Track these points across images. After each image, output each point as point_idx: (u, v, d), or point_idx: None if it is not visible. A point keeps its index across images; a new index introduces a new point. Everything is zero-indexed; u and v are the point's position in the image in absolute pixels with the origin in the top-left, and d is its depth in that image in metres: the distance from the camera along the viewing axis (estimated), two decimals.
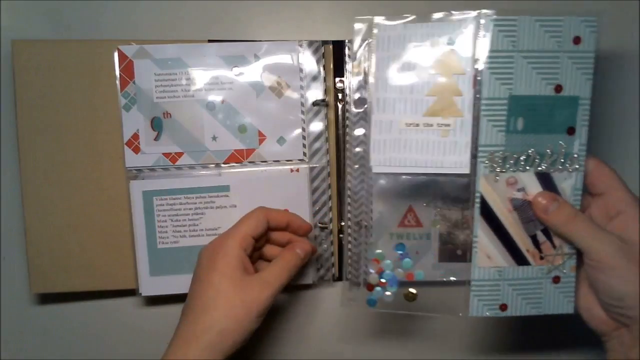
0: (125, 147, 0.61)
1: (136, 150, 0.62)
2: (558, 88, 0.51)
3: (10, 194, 0.64)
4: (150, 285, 0.63)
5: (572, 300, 0.54)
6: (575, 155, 0.52)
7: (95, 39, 0.63)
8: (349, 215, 0.64)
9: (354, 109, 0.63)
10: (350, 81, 0.63)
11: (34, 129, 0.61)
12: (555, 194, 0.52)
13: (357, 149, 0.64)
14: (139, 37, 0.63)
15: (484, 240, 0.54)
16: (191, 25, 0.65)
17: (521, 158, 0.52)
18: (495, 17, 0.51)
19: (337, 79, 0.64)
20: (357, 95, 0.63)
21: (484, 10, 0.51)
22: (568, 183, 0.52)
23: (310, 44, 0.62)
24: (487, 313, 0.54)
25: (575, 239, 0.51)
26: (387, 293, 0.56)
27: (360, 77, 0.63)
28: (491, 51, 0.51)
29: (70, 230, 0.62)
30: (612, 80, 0.67)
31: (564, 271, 0.53)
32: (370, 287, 0.57)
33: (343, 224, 0.64)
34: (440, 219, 0.64)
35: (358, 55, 0.62)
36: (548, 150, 0.52)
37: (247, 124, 0.62)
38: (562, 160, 0.52)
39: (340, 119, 0.63)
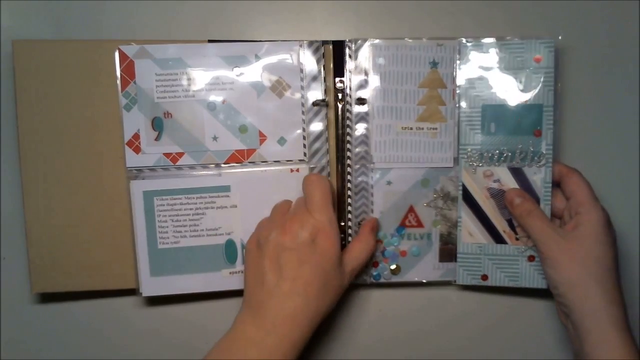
0: (126, 147, 0.61)
1: (137, 150, 0.61)
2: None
3: (10, 193, 0.64)
4: (151, 286, 0.62)
5: (544, 277, 0.61)
6: (543, 153, 0.62)
7: (96, 39, 0.63)
8: (349, 215, 0.64)
9: (354, 109, 0.64)
10: (350, 81, 0.63)
11: (34, 128, 0.61)
12: (524, 192, 0.62)
13: (358, 149, 0.64)
14: (139, 37, 0.63)
15: (466, 220, 0.64)
16: (191, 26, 0.65)
17: (494, 155, 0.63)
18: (468, 42, 0.63)
19: (337, 79, 0.63)
20: (357, 95, 0.63)
21: (461, 38, 0.63)
22: (538, 177, 0.62)
23: (310, 44, 0.62)
24: (471, 282, 0.65)
25: (528, 230, 0.60)
26: (385, 272, 0.66)
27: (362, 77, 0.63)
28: (466, 70, 0.63)
29: (71, 230, 0.62)
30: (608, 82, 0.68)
31: (535, 252, 0.63)
32: (375, 263, 0.66)
33: (343, 224, 0.64)
34: (441, 219, 0.65)
35: (359, 55, 0.62)
36: (518, 149, 0.62)
37: (248, 124, 0.62)
38: (531, 157, 0.62)
39: (340, 119, 0.63)
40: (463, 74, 0.63)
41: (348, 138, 0.63)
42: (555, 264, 0.57)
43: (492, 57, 0.62)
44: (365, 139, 0.63)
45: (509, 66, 0.62)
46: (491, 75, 0.62)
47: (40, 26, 0.64)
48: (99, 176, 0.62)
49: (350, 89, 0.63)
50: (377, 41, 0.63)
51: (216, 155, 0.62)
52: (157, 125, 0.61)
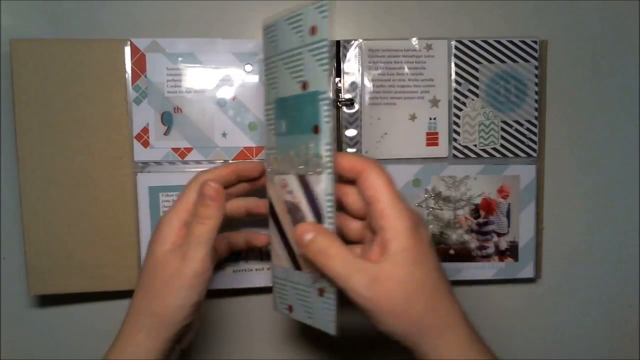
0: (135, 140, 0.61)
1: (145, 144, 0.61)
2: (304, 85, 0.47)
3: (8, 194, 0.63)
4: None
5: (333, 320, 0.46)
6: (321, 156, 0.45)
7: (93, 38, 0.63)
8: None
9: (345, 110, 0.65)
10: (343, 82, 0.64)
11: (32, 128, 0.60)
12: (315, 223, 0.47)
13: (352, 150, 0.65)
14: (139, 37, 0.62)
15: (273, 237, 0.52)
16: (192, 25, 0.65)
17: (285, 160, 0.49)
18: (264, 26, 0.51)
19: (337, 79, 0.64)
20: (347, 96, 0.65)
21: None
22: (320, 187, 0.46)
23: None
24: (283, 311, 0.52)
25: (330, 278, 0.45)
26: None
27: (353, 78, 0.64)
28: (265, 59, 0.52)
29: (69, 231, 0.61)
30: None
31: (327, 285, 0.46)
32: None
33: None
34: (432, 219, 0.66)
35: (348, 56, 0.64)
36: (302, 152, 0.47)
37: (258, 122, 0.63)
38: (313, 161, 0.46)
39: (340, 119, 0.64)
40: (263, 64, 0.52)
41: (344, 138, 0.65)
42: (381, 317, 0.43)
43: (281, 38, 0.49)
44: (359, 139, 0.65)
45: (292, 45, 0.48)
46: (279, 60, 0.49)
47: (38, 26, 0.63)
48: (97, 175, 0.61)
49: (343, 89, 0.64)
50: (364, 41, 0.64)
51: (225, 151, 0.62)
52: (167, 119, 0.61)
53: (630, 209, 0.70)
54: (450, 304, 0.45)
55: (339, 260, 0.44)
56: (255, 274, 0.64)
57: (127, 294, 0.61)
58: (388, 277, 0.43)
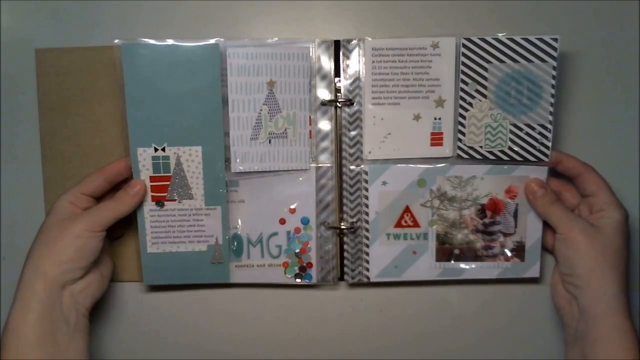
0: None
1: None
2: None
3: (33, 191, 0.67)
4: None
5: None
6: None
7: (111, 44, 0.64)
8: (343, 215, 0.66)
9: (347, 109, 0.64)
10: (343, 82, 0.64)
11: (54, 129, 0.65)
12: (544, 182, 0.63)
13: (352, 150, 0.65)
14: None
15: None
16: (203, 28, 0.65)
17: None
18: None
19: (337, 79, 0.64)
20: (349, 96, 0.64)
21: None
22: None
23: (321, 43, 0.63)
24: None
25: (550, 217, 0.62)
26: None
27: (353, 79, 0.64)
28: None
29: None
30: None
31: None
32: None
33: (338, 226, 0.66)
34: (437, 219, 0.66)
35: (351, 55, 0.64)
36: None
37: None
38: None
39: (339, 119, 0.64)
40: None
41: (344, 138, 0.65)
42: (577, 245, 0.59)
43: None
44: (360, 139, 0.65)
45: None
46: None
47: (60, 34, 0.66)
48: None
49: (343, 88, 0.64)
50: (368, 39, 0.63)
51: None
52: None
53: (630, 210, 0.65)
54: (624, 277, 0.59)
55: (562, 207, 0.62)
56: (256, 270, 0.67)
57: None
58: (599, 226, 0.59)
